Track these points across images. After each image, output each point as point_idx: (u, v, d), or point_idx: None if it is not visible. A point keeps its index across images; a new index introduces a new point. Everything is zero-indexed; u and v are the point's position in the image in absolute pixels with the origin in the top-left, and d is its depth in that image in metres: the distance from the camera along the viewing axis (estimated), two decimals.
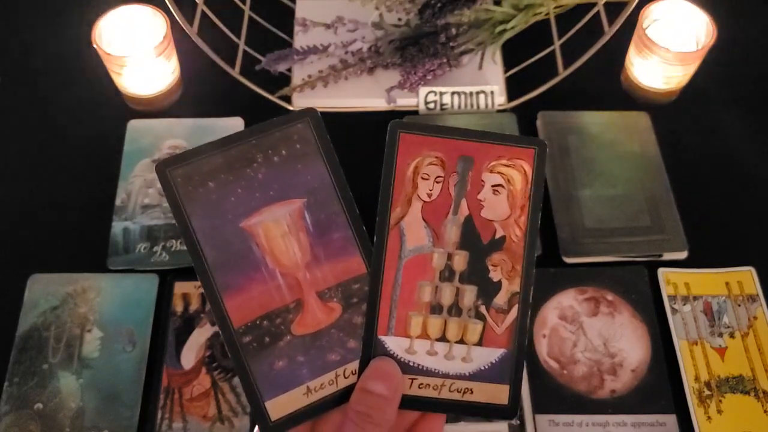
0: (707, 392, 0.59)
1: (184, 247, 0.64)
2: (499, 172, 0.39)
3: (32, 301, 0.62)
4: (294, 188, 0.38)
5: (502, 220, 0.39)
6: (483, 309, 0.39)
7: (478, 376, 0.38)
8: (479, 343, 0.38)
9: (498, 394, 0.38)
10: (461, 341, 0.38)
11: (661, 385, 0.59)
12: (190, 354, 0.60)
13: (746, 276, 0.64)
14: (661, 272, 0.64)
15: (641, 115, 0.73)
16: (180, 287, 0.63)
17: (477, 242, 0.39)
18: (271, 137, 0.39)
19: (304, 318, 0.38)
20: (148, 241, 0.65)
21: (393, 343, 0.38)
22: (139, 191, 0.68)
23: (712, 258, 0.65)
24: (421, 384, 0.38)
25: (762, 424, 0.57)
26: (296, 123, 0.39)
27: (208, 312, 0.61)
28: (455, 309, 0.39)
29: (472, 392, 0.38)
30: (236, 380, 0.58)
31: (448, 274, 0.39)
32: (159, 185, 0.65)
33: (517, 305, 0.39)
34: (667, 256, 0.65)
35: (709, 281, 0.64)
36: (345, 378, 0.38)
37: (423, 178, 0.39)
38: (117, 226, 0.66)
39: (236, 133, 0.39)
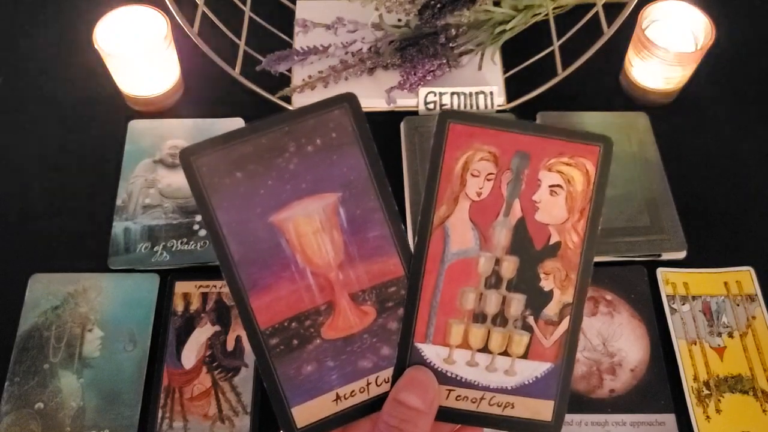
0: (706, 392, 0.59)
1: (185, 247, 0.65)
2: (558, 171, 0.36)
3: (33, 300, 0.62)
4: (328, 181, 0.35)
5: (558, 225, 0.36)
6: (531, 320, 0.36)
7: (521, 390, 0.36)
8: (524, 356, 0.36)
9: (541, 409, 0.36)
10: (505, 353, 0.36)
11: (660, 385, 0.59)
12: (191, 353, 0.60)
13: (745, 276, 0.64)
14: (660, 272, 0.64)
15: (640, 116, 0.73)
16: (180, 287, 0.63)
17: (529, 247, 0.36)
18: (304, 125, 0.35)
19: (335, 321, 0.36)
20: (149, 240, 0.65)
21: (430, 351, 0.36)
22: (140, 191, 0.68)
23: (710, 258, 0.65)
24: (459, 396, 0.35)
25: (761, 424, 0.57)
26: (333, 109, 0.36)
27: (208, 312, 0.61)
28: (500, 318, 0.36)
29: (513, 407, 0.36)
30: (237, 380, 0.58)
31: (494, 280, 0.36)
32: (161, 184, 0.66)
33: (568, 317, 0.36)
34: (666, 256, 0.66)
35: (707, 281, 0.64)
36: (377, 386, 0.36)
37: (473, 175, 0.36)
38: (118, 226, 0.66)
39: (267, 118, 0.36)
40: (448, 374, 0.36)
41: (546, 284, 0.36)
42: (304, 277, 0.35)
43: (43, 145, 0.73)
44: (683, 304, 0.63)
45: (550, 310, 0.36)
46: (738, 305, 0.63)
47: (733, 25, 0.77)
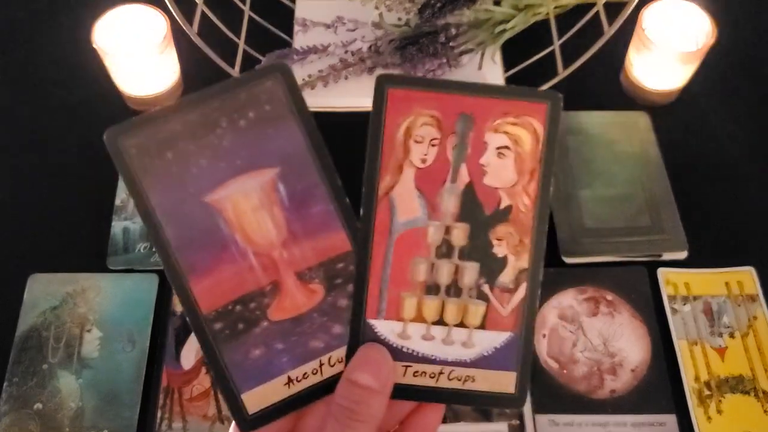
0: (707, 392, 0.59)
1: None
2: (504, 132, 0.34)
3: (32, 300, 0.62)
4: (265, 156, 0.34)
5: (508, 188, 0.34)
6: (486, 288, 0.34)
7: (480, 362, 0.34)
8: (482, 326, 0.34)
9: (503, 381, 0.34)
10: (461, 324, 0.34)
11: (660, 385, 0.59)
12: (190, 354, 0.60)
13: (746, 276, 0.64)
14: (661, 272, 0.64)
15: (641, 115, 0.73)
16: None
17: (479, 213, 0.34)
18: (236, 98, 0.33)
19: (281, 302, 0.34)
20: (148, 240, 0.65)
21: (384, 327, 0.34)
22: None
23: (711, 258, 0.65)
24: (417, 372, 0.34)
25: (762, 424, 0.57)
26: (264, 80, 0.34)
27: None
28: (454, 288, 0.34)
29: (474, 380, 0.34)
30: None
31: (445, 249, 0.34)
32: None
33: (525, 283, 0.34)
34: (667, 256, 0.65)
35: (708, 281, 0.64)
36: (330, 366, 0.34)
37: (416, 141, 0.34)
38: (117, 226, 0.66)
39: (195, 93, 0.34)
40: (404, 350, 0.34)
41: (499, 250, 0.34)
42: (246, 258, 0.34)
43: (42, 145, 0.73)
44: (684, 305, 0.63)
45: (505, 276, 0.34)
46: (739, 305, 0.63)
47: (734, 24, 0.77)
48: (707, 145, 0.73)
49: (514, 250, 0.34)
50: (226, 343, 0.34)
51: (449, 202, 0.34)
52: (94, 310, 0.61)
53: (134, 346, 0.60)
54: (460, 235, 0.34)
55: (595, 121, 0.72)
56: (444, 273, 0.34)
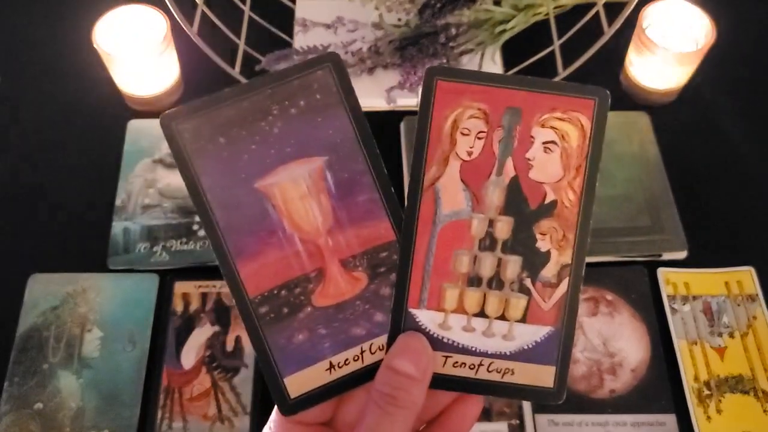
0: (707, 392, 0.59)
1: (185, 247, 0.65)
2: (551, 127, 0.34)
3: (32, 300, 0.62)
4: (314, 144, 0.34)
5: (553, 183, 0.34)
6: (528, 282, 0.34)
7: (520, 355, 0.34)
8: (523, 320, 0.34)
9: (542, 375, 0.34)
10: (502, 317, 0.34)
11: (660, 385, 0.59)
12: (190, 354, 0.60)
13: (746, 276, 0.64)
14: (661, 272, 0.64)
15: (641, 115, 0.73)
16: (180, 287, 0.63)
17: (523, 207, 0.34)
18: (288, 86, 0.34)
19: (325, 288, 0.35)
20: (148, 241, 0.65)
21: (425, 317, 0.34)
22: (139, 191, 0.68)
23: (711, 258, 0.65)
24: (456, 362, 0.34)
25: (761, 424, 0.57)
26: (316, 69, 0.34)
27: (208, 312, 0.61)
28: (496, 281, 0.34)
29: (513, 373, 0.34)
30: (236, 380, 0.58)
31: (489, 242, 0.34)
32: (160, 184, 0.65)
33: (567, 279, 0.34)
34: (667, 256, 0.65)
35: (708, 281, 0.64)
36: (371, 354, 0.35)
37: (463, 134, 0.34)
38: (117, 226, 0.66)
39: (250, 81, 0.35)
40: (444, 340, 0.34)
41: (543, 245, 0.34)
42: (293, 244, 0.34)
43: (42, 145, 0.73)
44: (684, 304, 0.63)
45: (548, 271, 0.34)
46: (739, 305, 0.63)
47: (734, 24, 0.77)
48: (707, 145, 0.73)
49: (558, 245, 0.34)
50: (270, 326, 0.34)
51: (494, 195, 0.34)
52: (95, 310, 0.61)
53: (135, 346, 0.60)
54: (503, 228, 0.34)
55: None
56: (486, 265, 0.34)
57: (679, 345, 0.61)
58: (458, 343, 0.34)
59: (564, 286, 0.34)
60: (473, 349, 0.34)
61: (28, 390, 0.58)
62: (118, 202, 0.67)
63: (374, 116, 0.73)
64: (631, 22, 0.70)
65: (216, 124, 0.34)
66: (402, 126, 0.72)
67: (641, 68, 0.73)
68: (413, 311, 0.34)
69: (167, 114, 0.34)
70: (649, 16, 0.72)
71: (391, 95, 0.72)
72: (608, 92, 0.34)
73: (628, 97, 0.76)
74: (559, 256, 0.34)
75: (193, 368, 0.59)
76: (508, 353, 0.34)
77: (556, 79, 0.70)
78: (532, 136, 0.34)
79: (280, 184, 0.34)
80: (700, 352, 0.60)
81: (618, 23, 0.68)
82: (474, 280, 0.34)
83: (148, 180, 0.68)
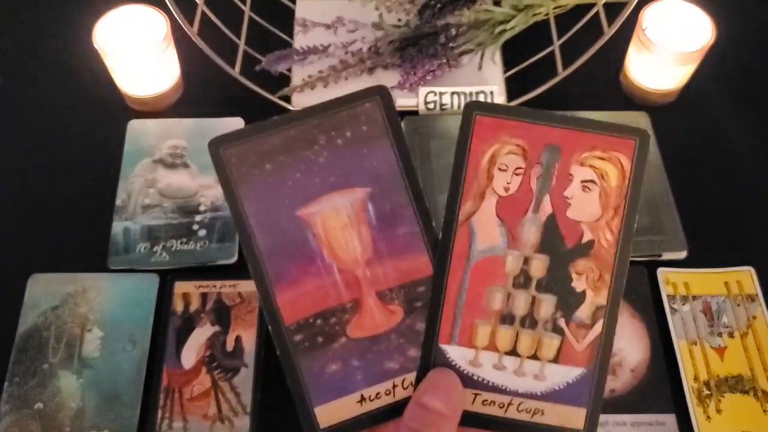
0: (706, 392, 0.59)
1: (185, 247, 0.65)
2: (591, 166, 0.34)
3: (32, 300, 0.62)
4: (358, 175, 0.35)
5: (591, 222, 0.34)
6: (562, 322, 0.34)
7: (551, 396, 0.34)
8: (555, 360, 0.34)
9: (572, 417, 0.34)
10: (534, 356, 0.34)
11: (660, 385, 0.59)
12: (190, 354, 0.60)
13: (745, 276, 0.64)
14: (661, 272, 0.64)
15: (640, 115, 0.73)
16: (180, 287, 0.63)
17: (560, 246, 0.34)
18: (335, 117, 0.35)
19: (361, 319, 0.35)
20: (149, 241, 0.65)
21: (456, 353, 0.34)
22: (139, 191, 0.68)
23: (711, 258, 0.65)
24: (486, 400, 0.34)
25: (761, 424, 0.57)
26: (365, 102, 0.35)
27: (208, 311, 0.61)
28: (529, 320, 0.34)
29: (543, 413, 0.34)
30: (236, 380, 0.58)
31: (523, 280, 0.34)
32: (160, 184, 0.66)
33: (602, 320, 0.34)
34: (667, 256, 0.65)
35: (708, 281, 0.64)
36: (403, 389, 0.34)
37: (500, 169, 0.34)
38: (117, 226, 0.66)
39: (298, 110, 0.35)
40: (474, 377, 0.34)
41: (578, 285, 0.34)
42: (331, 273, 0.34)
43: (42, 145, 0.73)
44: (684, 304, 0.63)
45: (583, 312, 0.34)
46: (738, 305, 0.63)
47: (734, 24, 0.77)
48: (707, 145, 0.73)
49: (594, 285, 0.34)
50: (304, 355, 0.34)
51: (530, 232, 0.34)
52: (95, 310, 0.61)
53: (135, 346, 0.60)
54: (539, 266, 0.34)
55: None
56: (520, 303, 0.34)
57: (679, 345, 0.61)
58: (489, 381, 0.34)
59: (598, 328, 0.34)
60: (504, 387, 0.34)
61: (29, 390, 0.58)
62: (118, 202, 0.67)
63: None
64: (631, 22, 0.70)
65: (262, 150, 0.34)
66: (402, 126, 0.72)
67: (641, 68, 0.73)
68: (444, 347, 0.34)
69: (215, 139, 0.34)
70: (649, 16, 0.72)
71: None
72: (649, 133, 0.34)
73: (627, 97, 0.76)
74: (594, 297, 0.34)
75: (193, 368, 0.59)
76: (538, 393, 0.34)
77: (556, 79, 0.70)
78: (570, 174, 0.34)
79: (322, 212, 0.34)
80: (700, 352, 0.60)
81: (618, 23, 0.68)
82: (507, 318, 0.34)
83: (148, 180, 0.68)
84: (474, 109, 0.34)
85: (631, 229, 0.34)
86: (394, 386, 0.34)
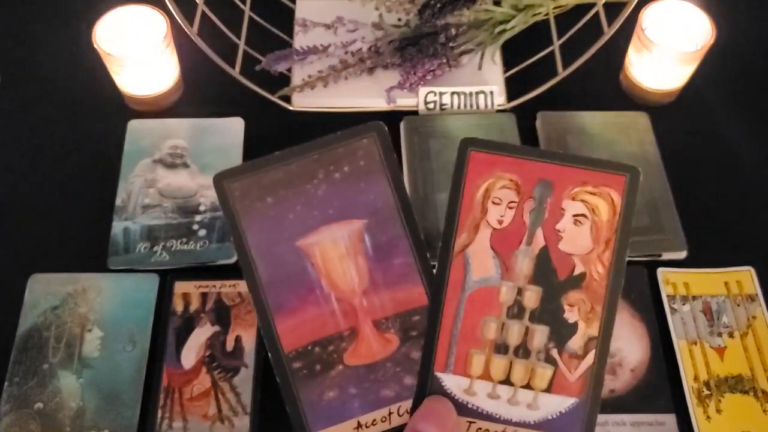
0: (706, 392, 0.59)
1: (185, 247, 0.65)
2: (582, 200, 0.35)
3: (32, 300, 0.62)
4: (355, 208, 0.36)
5: (582, 255, 0.35)
6: (555, 352, 0.35)
7: (544, 425, 0.35)
8: (548, 390, 0.35)
9: None
10: (528, 386, 0.35)
11: (660, 385, 0.59)
12: (190, 353, 0.60)
13: (745, 276, 0.64)
14: (661, 272, 0.64)
15: (640, 115, 0.73)
16: (180, 287, 0.63)
17: (552, 278, 0.35)
18: (334, 152, 0.36)
19: (358, 348, 0.36)
20: (149, 240, 0.65)
21: (451, 381, 0.35)
22: (139, 191, 0.68)
23: (711, 258, 0.65)
24: (480, 428, 0.35)
25: (761, 424, 0.57)
26: (362, 138, 0.37)
27: (208, 311, 0.61)
28: (523, 350, 0.35)
29: None
30: (236, 380, 0.58)
31: (517, 310, 0.35)
32: (160, 184, 0.66)
33: (593, 351, 0.35)
34: (667, 256, 0.65)
35: (708, 281, 0.64)
36: (399, 416, 0.35)
37: (494, 203, 0.35)
38: (117, 226, 0.66)
39: (298, 146, 0.37)
40: (469, 406, 0.35)
41: (570, 316, 0.35)
42: (329, 302, 0.36)
43: (42, 145, 0.73)
44: (683, 304, 0.63)
45: (575, 343, 0.35)
46: (738, 305, 0.63)
47: (734, 24, 0.77)
48: (707, 145, 0.73)
49: (586, 317, 0.35)
50: (302, 382, 0.35)
51: (523, 264, 0.35)
52: (95, 309, 0.61)
53: (135, 346, 0.60)
54: (532, 297, 0.35)
55: (594, 121, 0.72)
56: (514, 333, 0.35)
57: (679, 345, 0.61)
58: (483, 410, 0.35)
59: (590, 358, 0.35)
60: (497, 416, 0.35)
61: (29, 390, 0.58)
62: (118, 202, 0.67)
63: (374, 116, 0.73)
64: (631, 22, 0.70)
65: (264, 184, 0.36)
66: (402, 126, 0.72)
67: (641, 68, 0.73)
68: (439, 375, 0.35)
69: (220, 173, 0.36)
70: (649, 16, 0.72)
71: (391, 95, 0.72)
72: (640, 169, 0.36)
73: (627, 97, 0.76)
74: (586, 328, 0.35)
75: (193, 368, 0.59)
76: (532, 422, 0.35)
77: (556, 79, 0.71)
78: (562, 209, 0.35)
79: (321, 243, 0.36)
80: (700, 352, 0.61)
81: (618, 23, 0.68)
82: (501, 348, 0.35)
83: (148, 180, 0.68)
84: (469, 145, 0.36)
85: (622, 263, 0.35)
86: (390, 413, 0.35)
